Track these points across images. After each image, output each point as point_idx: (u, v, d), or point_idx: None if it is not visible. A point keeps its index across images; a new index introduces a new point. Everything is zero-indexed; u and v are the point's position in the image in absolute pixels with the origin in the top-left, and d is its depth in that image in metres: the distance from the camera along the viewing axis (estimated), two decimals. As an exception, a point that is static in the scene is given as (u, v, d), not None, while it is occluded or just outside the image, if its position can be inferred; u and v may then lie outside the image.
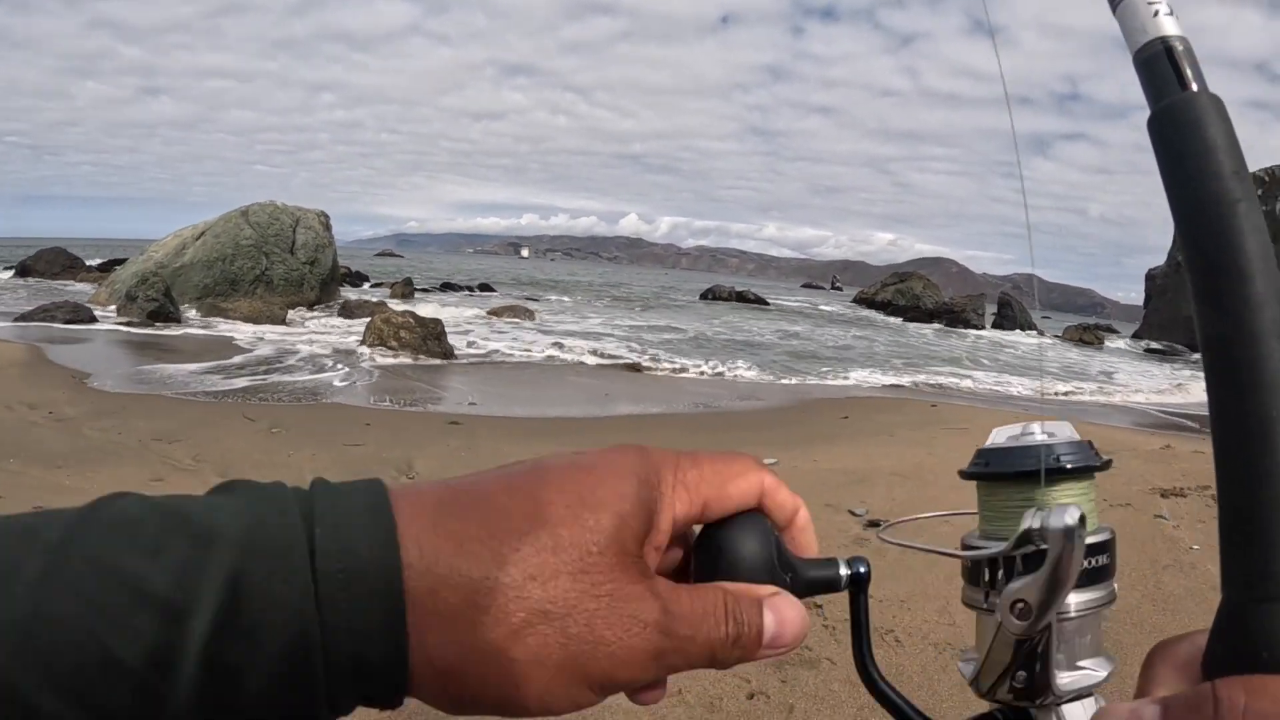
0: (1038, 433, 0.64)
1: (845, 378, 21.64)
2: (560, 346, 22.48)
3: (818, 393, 18.27)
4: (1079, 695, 0.61)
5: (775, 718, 3.78)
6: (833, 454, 9.76)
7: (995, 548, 0.61)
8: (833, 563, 0.64)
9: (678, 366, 21.11)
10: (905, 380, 22.16)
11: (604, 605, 0.52)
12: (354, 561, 0.48)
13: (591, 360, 21.06)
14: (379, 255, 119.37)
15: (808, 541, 0.65)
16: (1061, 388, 23.95)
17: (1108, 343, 55.40)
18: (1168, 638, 0.54)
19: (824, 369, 22.83)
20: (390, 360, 17.48)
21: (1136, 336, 66.28)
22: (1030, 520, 0.58)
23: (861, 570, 0.64)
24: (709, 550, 0.61)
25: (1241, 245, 0.48)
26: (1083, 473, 0.62)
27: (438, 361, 18.01)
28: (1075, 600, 0.61)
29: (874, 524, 6.72)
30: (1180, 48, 0.54)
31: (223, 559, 0.46)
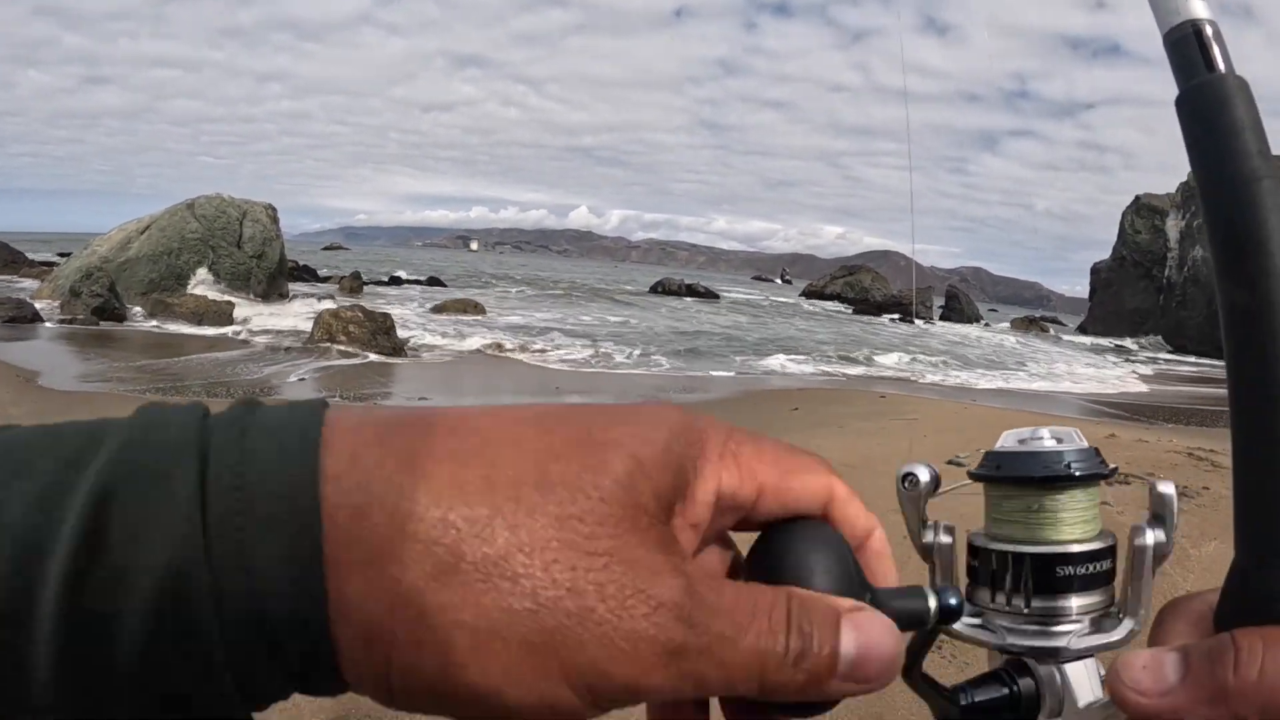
0: (1046, 438, 0.65)
1: (789, 368, 21.79)
2: (509, 341, 22.44)
3: (767, 384, 18.38)
4: (1085, 655, 0.63)
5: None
6: (782, 446, 9.73)
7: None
8: (919, 592, 0.51)
9: (628, 359, 21.20)
10: (854, 371, 22.35)
11: (598, 567, 0.39)
12: (255, 476, 0.38)
13: (539, 354, 21.06)
14: (326, 249, 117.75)
15: (885, 570, 0.53)
16: (1009, 378, 24.27)
17: (1053, 334, 56.15)
18: (1179, 596, 0.56)
19: (771, 360, 22.92)
20: (340, 355, 17.38)
21: (1082, 329, 67.12)
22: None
23: (952, 603, 0.51)
24: (770, 551, 0.48)
25: (1264, 220, 0.50)
26: (1091, 480, 0.64)
27: (388, 357, 17.92)
28: (1076, 604, 0.63)
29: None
30: (1209, 30, 0.55)
31: (91, 479, 0.36)
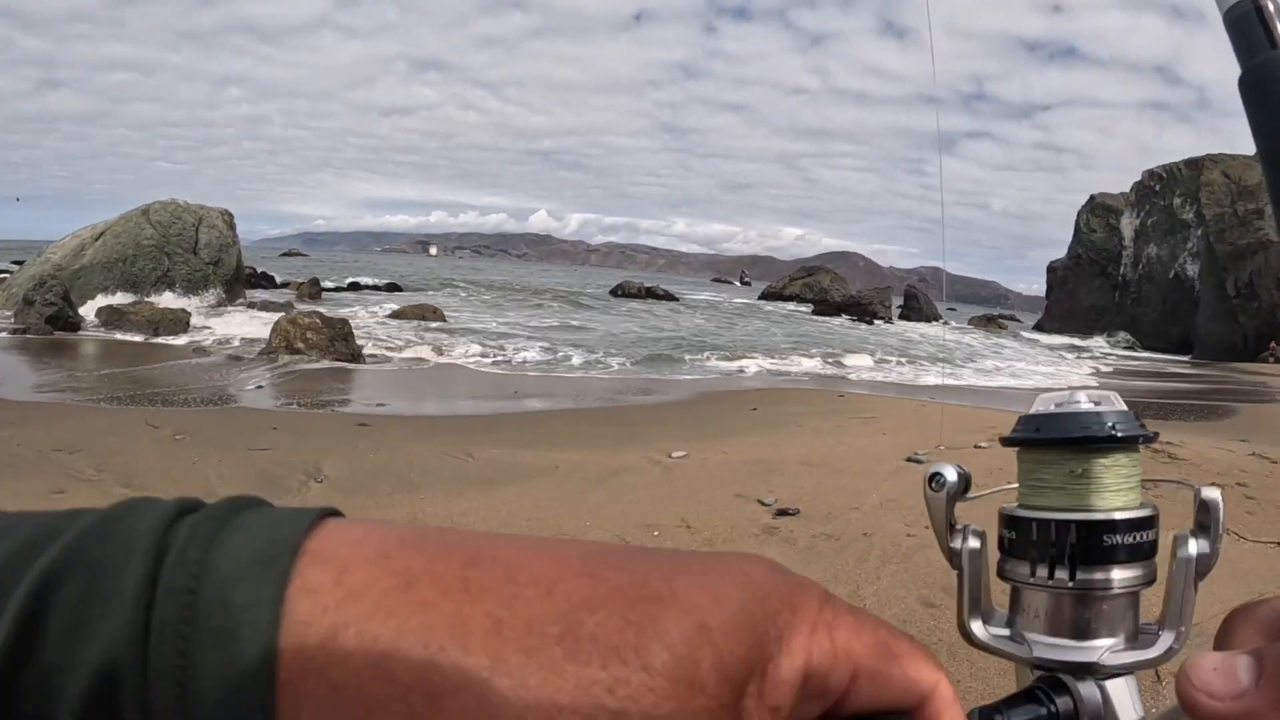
0: (1084, 400, 0.62)
1: (748, 369, 21.84)
2: (467, 345, 22.37)
3: (726, 385, 18.40)
4: (1122, 671, 0.59)
5: None
6: (742, 445, 9.87)
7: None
8: None
9: (587, 362, 21.17)
10: (813, 369, 22.45)
11: None
12: (214, 581, 0.33)
13: (499, 358, 21.00)
14: (285, 255, 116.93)
15: None
16: (968, 375, 24.45)
17: (1011, 331, 56.66)
18: (1247, 601, 0.53)
19: (730, 361, 22.97)
20: (297, 362, 17.24)
21: (1039, 326, 67.80)
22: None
23: None
24: None
25: None
26: (1133, 442, 0.60)
27: (346, 363, 17.81)
28: (1118, 576, 0.59)
29: (783, 513, 6.85)
30: (1270, 8, 0.54)
31: (35, 574, 0.33)
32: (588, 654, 0.32)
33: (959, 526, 0.66)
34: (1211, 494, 0.58)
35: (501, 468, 8.06)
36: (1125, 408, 0.61)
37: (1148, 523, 0.60)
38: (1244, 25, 0.54)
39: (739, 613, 0.35)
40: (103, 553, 0.34)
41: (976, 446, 10.00)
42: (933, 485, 0.65)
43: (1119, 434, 0.59)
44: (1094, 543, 0.59)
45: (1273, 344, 45.52)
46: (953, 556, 0.66)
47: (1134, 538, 0.59)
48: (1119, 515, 0.59)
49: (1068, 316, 65.57)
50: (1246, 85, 0.54)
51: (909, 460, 8.99)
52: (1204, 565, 0.58)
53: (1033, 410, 0.63)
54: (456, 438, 9.58)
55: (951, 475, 0.65)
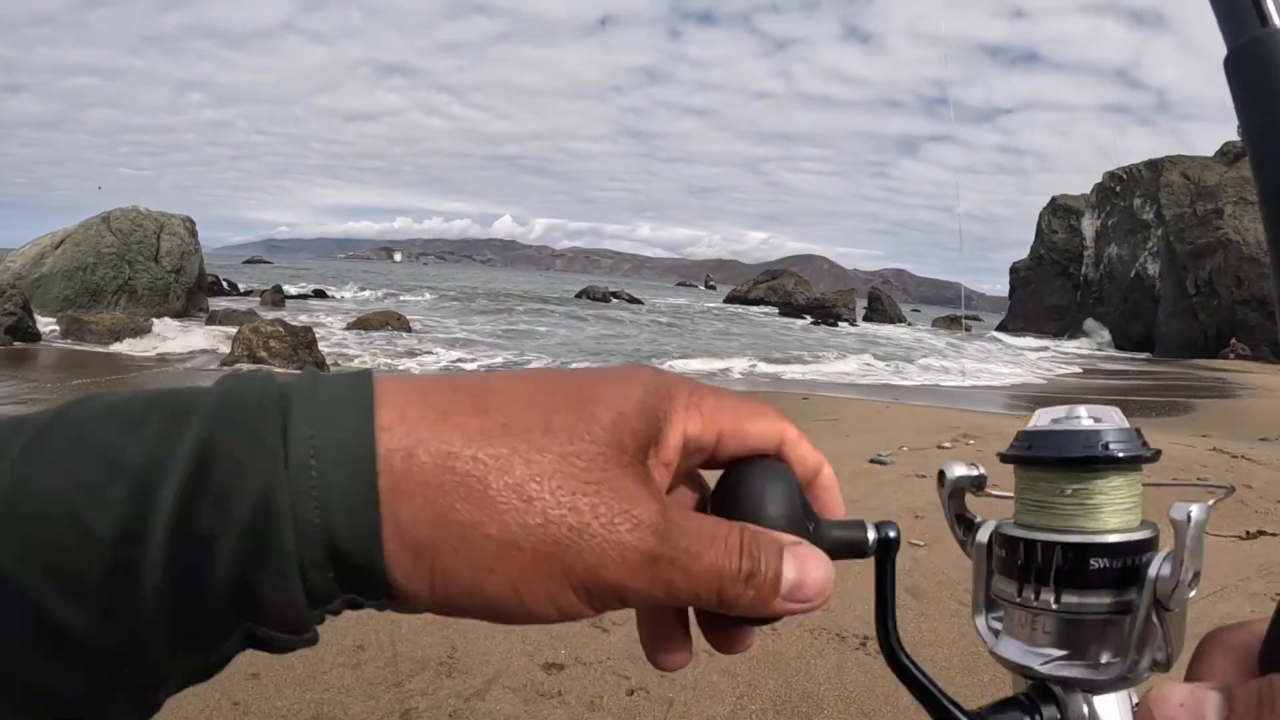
0: (1084, 416, 0.60)
1: (713, 372, 21.85)
2: (434, 352, 22.33)
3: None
4: (1110, 687, 0.58)
5: (656, 713, 3.81)
6: (708, 450, 9.76)
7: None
8: (859, 525, 0.58)
9: (552, 366, 21.08)
10: (774, 372, 22.51)
11: (592, 493, 0.49)
12: (325, 424, 0.47)
13: (463, 363, 20.95)
14: (248, 262, 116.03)
15: (833, 503, 0.62)
16: (932, 375, 24.58)
17: (976, 331, 57.03)
18: (1222, 626, 0.53)
19: (693, 362, 22.98)
20: (260, 371, 17.11)
21: (1002, 326, 68.27)
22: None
23: (890, 535, 0.58)
24: (728, 490, 0.56)
25: None
26: (1132, 464, 0.58)
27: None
28: (1105, 601, 0.57)
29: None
30: None
31: (195, 429, 0.45)
32: (560, 438, 0.50)
33: (975, 520, 0.66)
34: (1178, 513, 0.54)
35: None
36: (1126, 424, 0.59)
37: (1142, 545, 0.58)
38: (1233, 1, 0.52)
39: (639, 403, 0.52)
40: (242, 415, 0.46)
41: (940, 447, 10.05)
42: (940, 482, 0.66)
43: (1116, 454, 0.57)
44: (1080, 566, 0.57)
45: (1233, 341, 46.04)
46: (965, 548, 0.67)
47: (1125, 562, 0.57)
48: (1111, 538, 0.57)
49: (1031, 316, 66.07)
50: (1233, 65, 0.52)
51: (872, 462, 9.01)
52: (1164, 589, 0.55)
53: (1030, 425, 0.62)
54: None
55: (964, 472, 0.66)
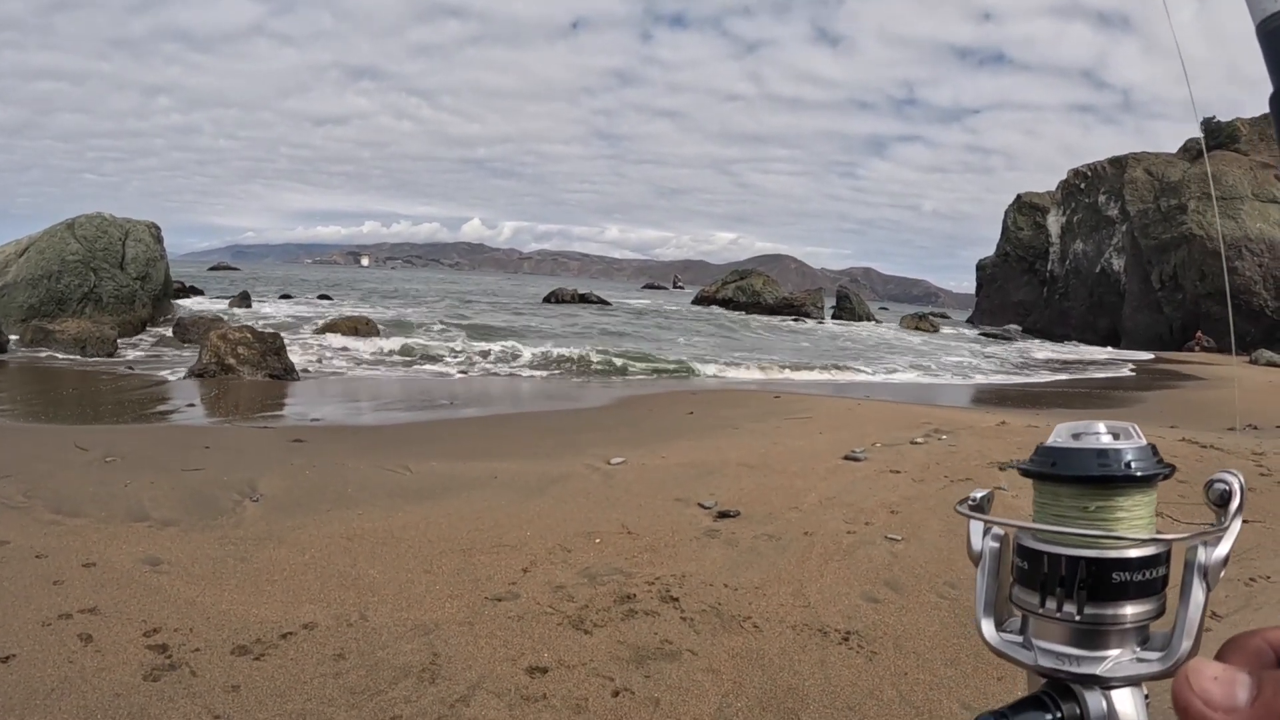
0: (1103, 433, 0.61)
1: (702, 372, 21.92)
2: (400, 355, 22.29)
3: (662, 388, 18.40)
4: (1128, 682, 0.59)
5: (642, 713, 3.80)
6: (680, 449, 9.89)
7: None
8: None
9: (522, 368, 21.16)
10: (751, 374, 22.55)
11: None
12: None
13: (431, 366, 20.92)
14: (214, 269, 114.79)
15: None
16: (901, 373, 24.71)
17: (943, 329, 57.39)
18: (1240, 633, 0.54)
19: (669, 366, 23.02)
20: (229, 378, 17.00)
21: (970, 322, 68.76)
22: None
23: None
24: None
25: None
26: (1150, 481, 0.60)
27: (279, 378, 17.56)
28: (1128, 612, 0.59)
29: (725, 515, 6.86)
30: None
31: None
32: None
33: (984, 528, 0.67)
34: (1228, 479, 0.58)
35: (440, 480, 8.00)
36: (1144, 441, 0.61)
37: (1159, 559, 0.60)
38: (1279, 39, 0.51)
39: None
40: None
41: (913, 442, 10.11)
42: (968, 505, 0.67)
43: (1136, 473, 0.59)
44: (1103, 579, 0.59)
45: (1198, 334, 46.63)
46: (975, 556, 0.67)
47: (1145, 574, 0.59)
48: (1131, 553, 0.58)
49: (997, 311, 66.79)
50: (1265, 33, 0.52)
51: (847, 458, 9.06)
52: (1214, 569, 0.58)
53: (1050, 441, 0.63)
54: (393, 450, 9.47)
55: (978, 495, 0.67)
